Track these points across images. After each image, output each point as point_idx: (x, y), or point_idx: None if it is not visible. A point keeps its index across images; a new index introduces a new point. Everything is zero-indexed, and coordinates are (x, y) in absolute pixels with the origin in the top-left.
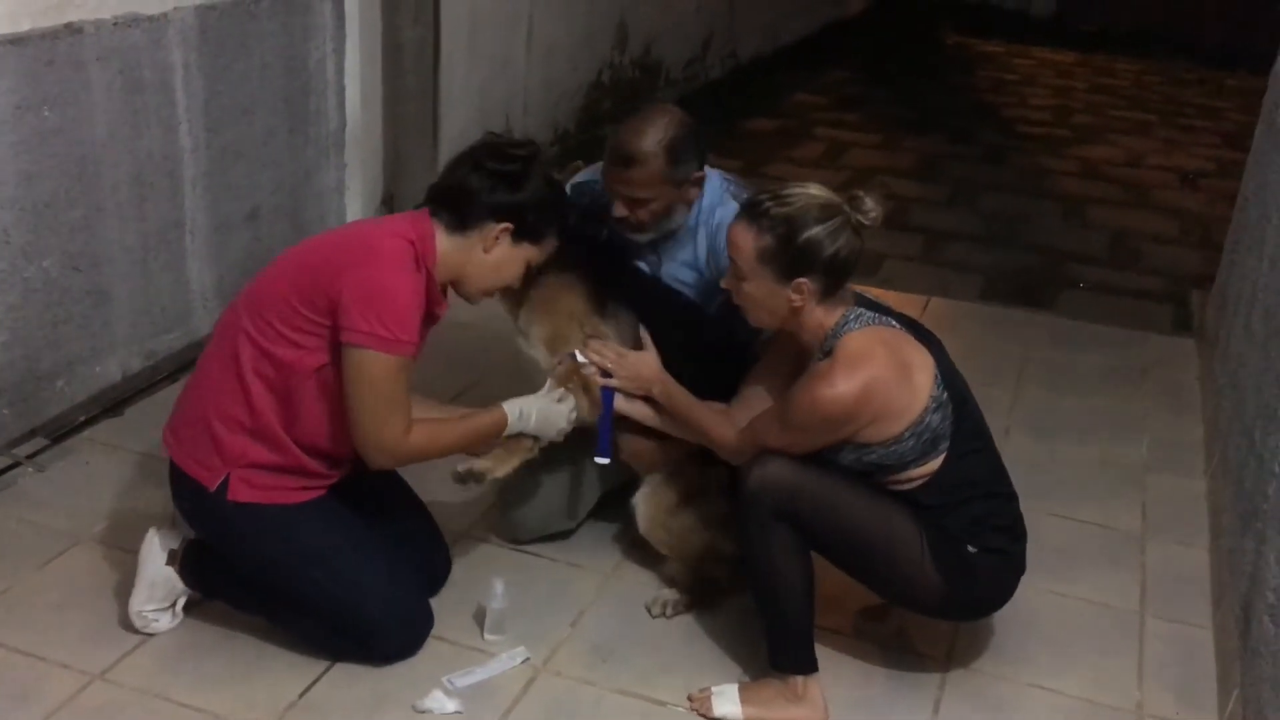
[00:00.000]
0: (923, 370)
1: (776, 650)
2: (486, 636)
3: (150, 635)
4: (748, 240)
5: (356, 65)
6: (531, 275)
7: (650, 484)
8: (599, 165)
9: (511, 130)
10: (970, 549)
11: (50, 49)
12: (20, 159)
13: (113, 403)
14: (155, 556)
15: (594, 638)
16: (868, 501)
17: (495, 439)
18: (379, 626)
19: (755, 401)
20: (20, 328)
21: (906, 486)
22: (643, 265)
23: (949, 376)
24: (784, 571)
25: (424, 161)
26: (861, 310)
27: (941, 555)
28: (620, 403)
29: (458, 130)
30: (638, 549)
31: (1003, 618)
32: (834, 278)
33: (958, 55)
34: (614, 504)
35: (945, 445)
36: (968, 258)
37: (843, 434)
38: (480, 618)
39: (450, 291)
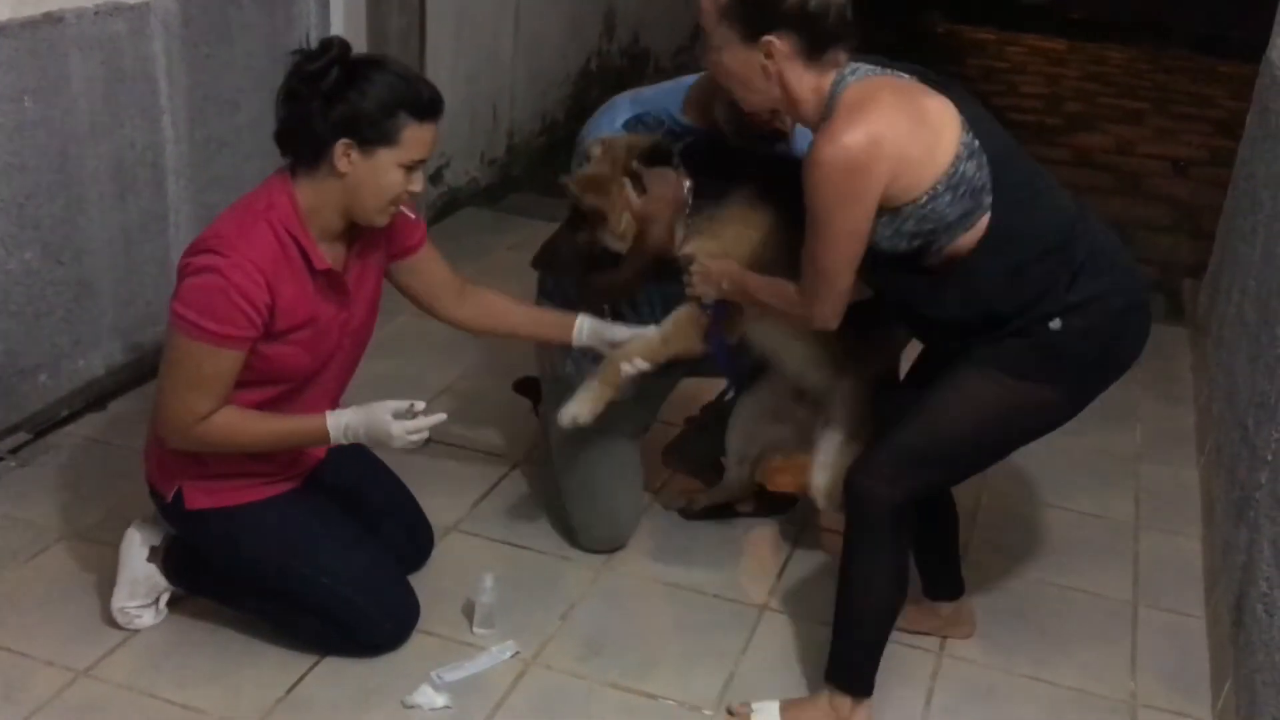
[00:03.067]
0: (943, 115)
1: (839, 664)
2: (475, 630)
3: (135, 631)
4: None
5: None
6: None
7: (833, 442)
8: (637, 92)
9: (497, 116)
10: (1052, 326)
11: (31, 38)
12: (0, 150)
13: (96, 396)
14: (136, 553)
15: (584, 631)
16: (943, 406)
17: (311, 444)
18: (364, 612)
19: None
20: (1, 321)
21: (960, 258)
22: None
23: (978, 122)
24: (878, 590)
25: None
26: (859, 64)
27: (1031, 368)
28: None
29: (444, 120)
30: (629, 540)
31: (995, 608)
32: (812, 34)
33: (947, 43)
34: None
35: (988, 200)
36: None
37: (868, 200)
38: (469, 611)
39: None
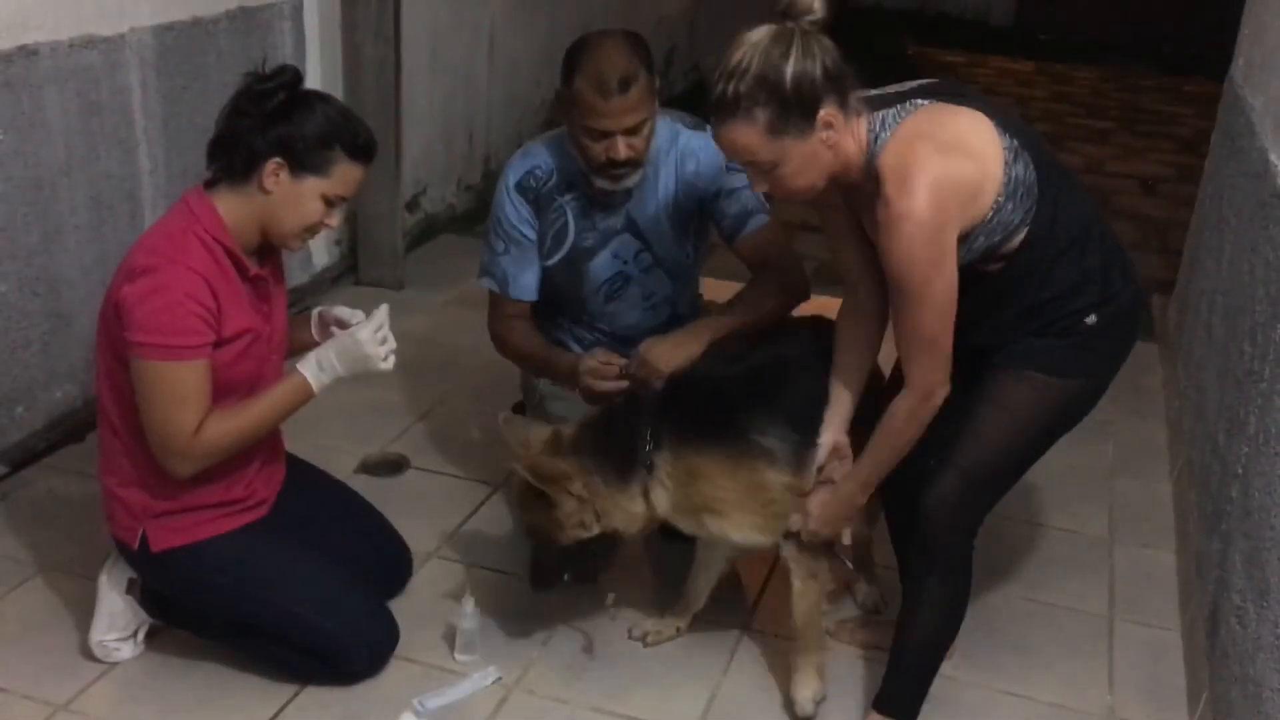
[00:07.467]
0: (978, 129)
1: (894, 694)
2: (457, 657)
3: (114, 664)
4: (749, 133)
5: (317, 83)
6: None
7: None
8: (529, 149)
9: (473, 142)
10: (1088, 321)
11: (5, 71)
12: None
13: (74, 428)
14: (114, 586)
15: (566, 656)
16: (993, 421)
17: (298, 402)
18: (341, 641)
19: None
20: None
21: (1009, 257)
22: (614, 224)
23: (1008, 120)
24: (950, 619)
25: (386, 179)
26: (883, 114)
27: (1067, 366)
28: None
29: (420, 147)
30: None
31: (972, 624)
32: (840, 89)
33: (918, 66)
34: None
35: (1035, 192)
36: None
37: (952, 252)
38: (450, 638)
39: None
